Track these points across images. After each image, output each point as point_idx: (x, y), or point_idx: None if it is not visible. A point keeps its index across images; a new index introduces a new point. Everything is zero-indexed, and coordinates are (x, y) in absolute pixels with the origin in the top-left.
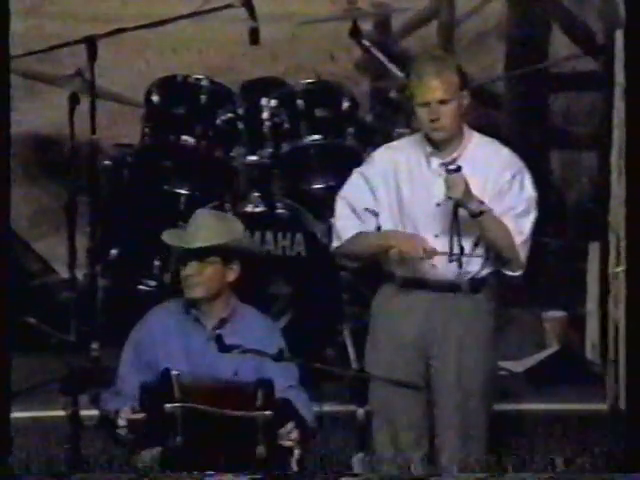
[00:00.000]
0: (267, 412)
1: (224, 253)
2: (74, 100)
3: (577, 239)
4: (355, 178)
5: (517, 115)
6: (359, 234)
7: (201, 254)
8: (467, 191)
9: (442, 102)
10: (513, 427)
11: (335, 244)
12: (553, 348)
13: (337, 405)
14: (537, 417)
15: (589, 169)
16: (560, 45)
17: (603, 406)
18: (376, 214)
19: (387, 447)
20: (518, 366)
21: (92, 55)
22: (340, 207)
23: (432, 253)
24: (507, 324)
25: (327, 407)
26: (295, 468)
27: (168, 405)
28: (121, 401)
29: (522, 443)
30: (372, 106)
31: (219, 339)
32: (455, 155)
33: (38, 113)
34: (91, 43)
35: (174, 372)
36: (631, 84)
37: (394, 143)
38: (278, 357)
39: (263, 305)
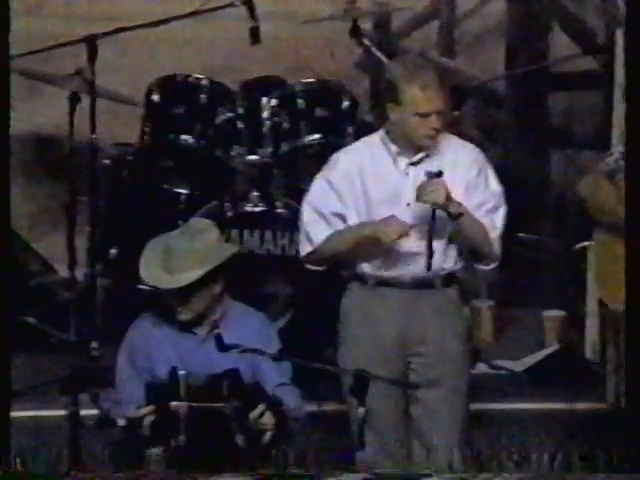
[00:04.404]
0: (234, 401)
1: (204, 279)
2: (74, 100)
3: (577, 239)
4: (319, 183)
5: (517, 115)
6: (331, 235)
7: (180, 292)
8: (448, 195)
9: (441, 113)
10: (512, 426)
11: (307, 250)
12: (553, 347)
13: (336, 404)
14: (536, 416)
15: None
16: (560, 45)
17: (603, 405)
18: (343, 218)
19: (374, 446)
20: (518, 365)
21: (92, 55)
22: (307, 212)
23: (408, 229)
24: (507, 324)
25: (326, 406)
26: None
27: (173, 403)
28: (122, 410)
29: (521, 442)
30: (372, 105)
31: (218, 339)
32: (422, 155)
33: (38, 113)
34: (91, 43)
35: (182, 371)
36: (631, 83)
37: (355, 145)
38: (278, 356)
39: (263, 305)
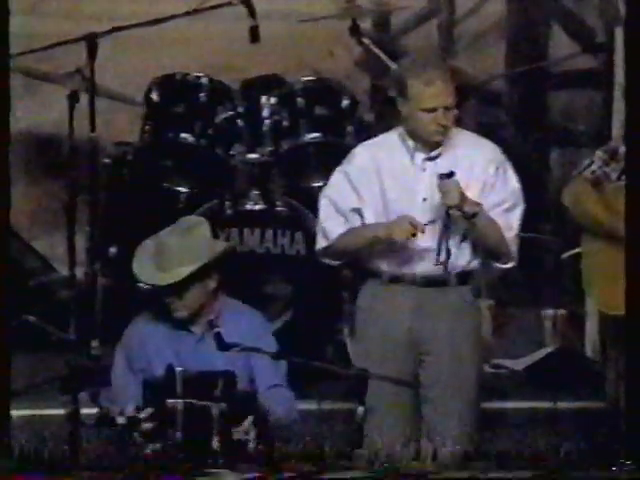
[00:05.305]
0: (222, 403)
1: (198, 274)
2: (74, 98)
3: (576, 238)
4: (337, 177)
5: (517, 114)
6: (347, 231)
7: (175, 287)
8: (462, 194)
9: (447, 108)
10: (512, 425)
11: (322, 244)
12: (553, 346)
13: (336, 403)
14: (537, 415)
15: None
16: (560, 43)
17: (603, 404)
18: (360, 213)
19: (379, 444)
20: (518, 364)
21: (92, 53)
22: (324, 207)
23: (421, 228)
24: (507, 323)
25: (326, 405)
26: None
27: (170, 400)
28: (118, 407)
29: (520, 441)
30: (372, 104)
31: (218, 337)
32: (439, 151)
33: (38, 111)
34: (91, 41)
35: (178, 369)
36: (631, 82)
37: (374, 140)
38: (277, 355)
39: (262, 304)
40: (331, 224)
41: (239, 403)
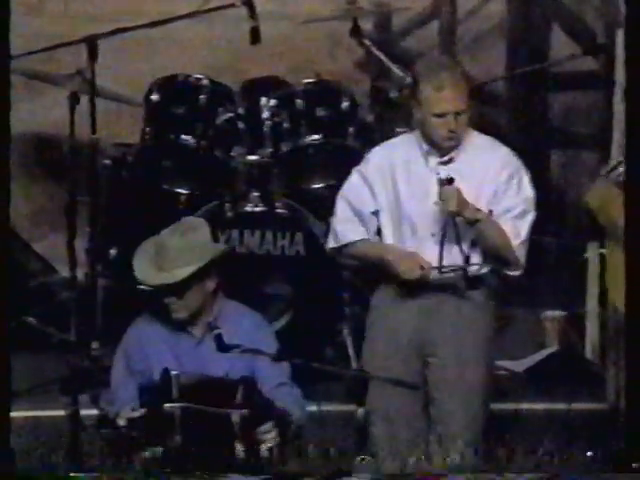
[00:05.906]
0: (244, 410)
1: (197, 275)
2: (74, 100)
3: (577, 239)
4: (354, 177)
5: (517, 115)
6: (358, 242)
7: (174, 288)
8: (462, 201)
9: (458, 113)
10: (513, 426)
11: (331, 245)
12: (553, 348)
13: (336, 405)
14: (537, 417)
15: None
16: (560, 45)
17: (603, 405)
18: (376, 214)
19: (384, 446)
20: (518, 366)
21: (92, 55)
22: (341, 208)
23: (429, 270)
24: (507, 324)
25: (326, 407)
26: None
27: (167, 404)
28: (116, 409)
29: (522, 442)
30: (372, 106)
31: (219, 339)
32: (452, 154)
33: (38, 113)
34: (91, 43)
35: (173, 372)
36: (631, 84)
37: (390, 141)
38: (277, 357)
39: (263, 305)
40: (344, 228)
41: (261, 408)
